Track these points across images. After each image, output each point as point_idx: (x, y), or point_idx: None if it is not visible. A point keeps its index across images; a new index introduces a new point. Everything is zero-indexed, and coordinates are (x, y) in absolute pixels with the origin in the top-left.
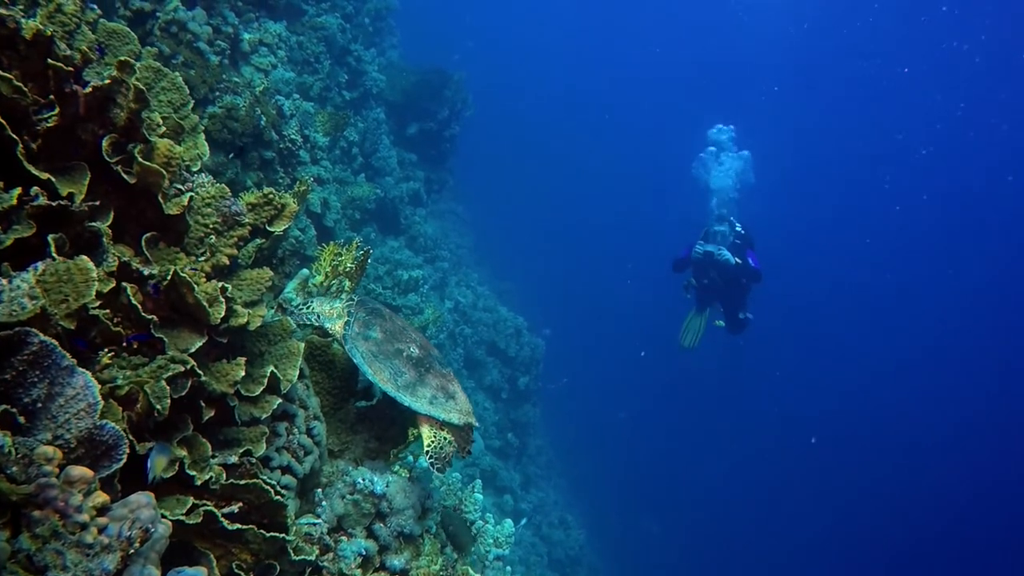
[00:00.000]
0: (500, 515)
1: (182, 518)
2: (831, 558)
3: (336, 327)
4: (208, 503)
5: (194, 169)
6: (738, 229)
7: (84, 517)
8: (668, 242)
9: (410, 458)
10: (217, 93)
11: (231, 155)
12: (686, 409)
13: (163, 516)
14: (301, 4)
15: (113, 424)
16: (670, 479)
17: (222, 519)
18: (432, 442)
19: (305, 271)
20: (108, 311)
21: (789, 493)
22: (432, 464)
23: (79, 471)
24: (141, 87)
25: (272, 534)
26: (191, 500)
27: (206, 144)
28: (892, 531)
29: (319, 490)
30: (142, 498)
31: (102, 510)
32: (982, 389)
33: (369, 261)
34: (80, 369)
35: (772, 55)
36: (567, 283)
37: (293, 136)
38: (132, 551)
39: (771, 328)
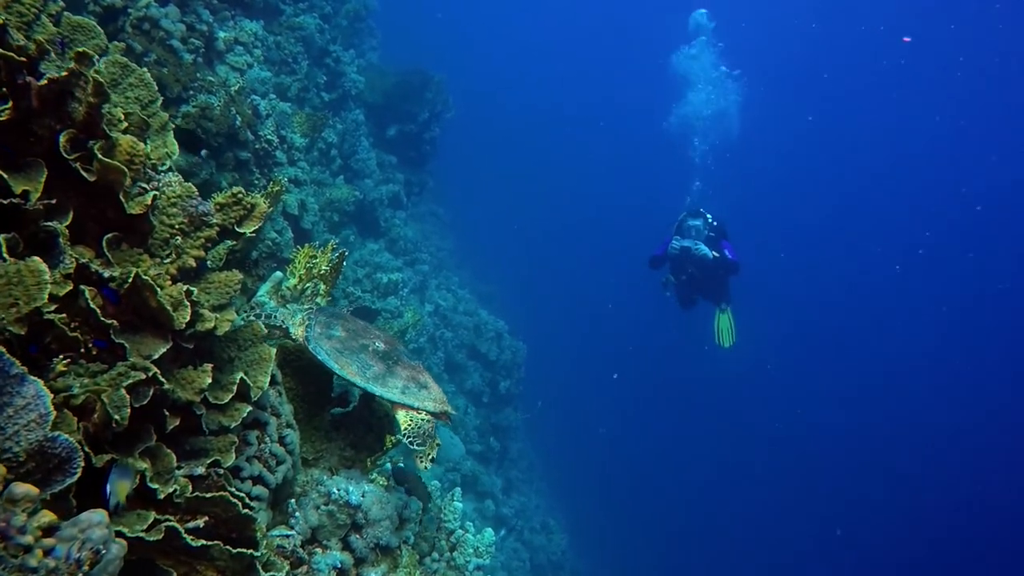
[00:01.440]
0: (482, 520)
1: (142, 535)
2: (814, 559)
3: (298, 332)
4: (171, 518)
5: (162, 168)
6: (710, 220)
7: (28, 539)
8: (649, 244)
9: (388, 466)
10: (191, 92)
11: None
12: (668, 411)
13: (121, 533)
14: (279, 4)
15: (66, 436)
16: (652, 481)
17: (185, 535)
18: (409, 424)
19: (279, 274)
20: (64, 316)
21: (774, 495)
22: (412, 442)
23: (23, 488)
24: (100, 80)
25: (239, 550)
26: (153, 515)
27: (175, 143)
28: (888, 537)
29: (292, 500)
30: (94, 516)
31: (49, 530)
32: (982, 392)
33: (348, 264)
34: (31, 377)
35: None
36: (548, 285)
37: (269, 136)
38: (81, 574)
39: (762, 329)
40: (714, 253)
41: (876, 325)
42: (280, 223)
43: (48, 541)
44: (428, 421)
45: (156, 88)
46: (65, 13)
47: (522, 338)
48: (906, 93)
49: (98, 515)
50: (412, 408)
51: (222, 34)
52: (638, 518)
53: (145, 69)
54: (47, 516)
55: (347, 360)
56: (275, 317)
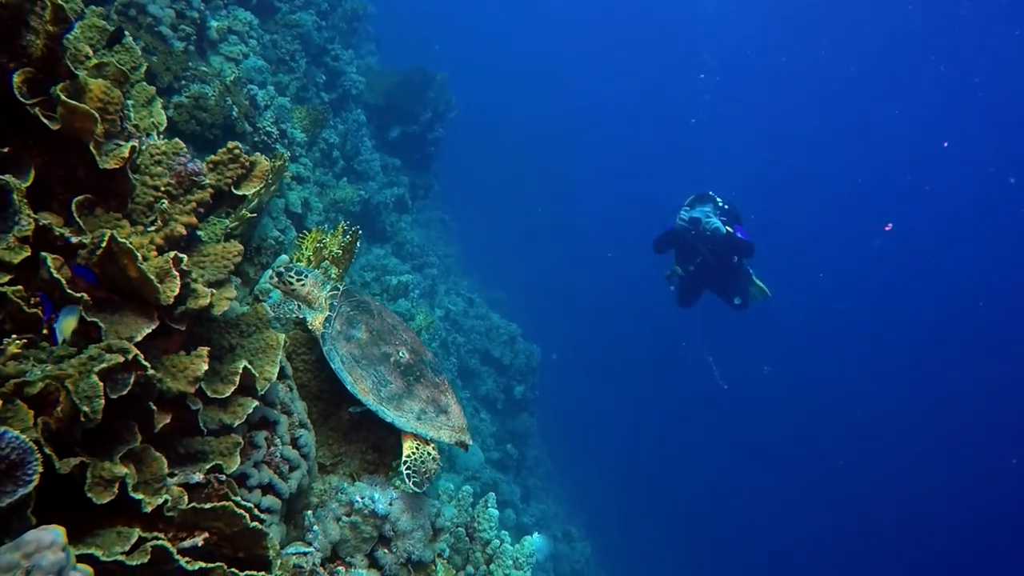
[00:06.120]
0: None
1: (121, 558)
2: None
3: (316, 322)
4: (161, 536)
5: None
6: (721, 203)
7: None
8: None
9: None
10: (183, 82)
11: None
12: (683, 410)
13: (91, 557)
14: (273, 1)
15: (17, 433)
16: (670, 482)
17: (179, 556)
18: (412, 454)
19: (284, 257)
20: (21, 288)
21: (792, 495)
22: (409, 477)
23: None
24: (59, 3)
25: (248, 572)
26: (136, 532)
27: (163, 113)
28: (906, 533)
29: (309, 512)
30: (44, 535)
31: None
32: (981, 390)
33: (355, 269)
34: None
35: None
36: (557, 290)
37: (268, 128)
38: None
39: (772, 325)
40: (727, 228)
41: (895, 313)
42: (283, 222)
43: None
44: (434, 460)
45: (139, 53)
46: None
47: (534, 342)
48: None
49: (50, 534)
50: (424, 440)
51: (215, 23)
52: (658, 520)
53: (126, 34)
54: None
55: (363, 373)
56: (295, 286)
